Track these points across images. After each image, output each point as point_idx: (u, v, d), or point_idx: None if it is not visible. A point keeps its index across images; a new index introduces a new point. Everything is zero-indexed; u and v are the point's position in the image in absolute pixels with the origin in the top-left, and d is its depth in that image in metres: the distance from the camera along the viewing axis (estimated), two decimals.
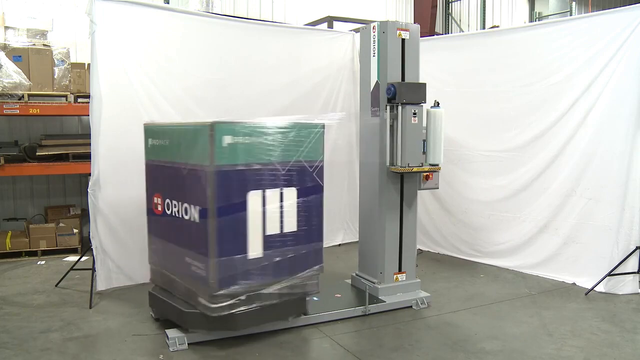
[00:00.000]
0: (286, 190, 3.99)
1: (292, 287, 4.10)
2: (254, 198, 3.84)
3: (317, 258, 4.23)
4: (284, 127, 3.96)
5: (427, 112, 4.79)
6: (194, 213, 3.87)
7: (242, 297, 3.88)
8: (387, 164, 4.69)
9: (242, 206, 3.80)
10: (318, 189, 4.18)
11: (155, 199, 4.32)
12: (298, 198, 4.05)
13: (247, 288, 3.88)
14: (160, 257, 4.37)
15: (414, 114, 4.64)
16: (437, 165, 4.81)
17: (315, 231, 4.20)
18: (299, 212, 4.07)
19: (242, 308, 3.88)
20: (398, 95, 4.57)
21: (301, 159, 4.04)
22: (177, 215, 4.05)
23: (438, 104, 4.81)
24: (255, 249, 3.89)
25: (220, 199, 3.73)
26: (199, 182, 3.80)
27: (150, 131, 4.37)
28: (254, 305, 3.93)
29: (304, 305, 4.30)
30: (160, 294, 4.26)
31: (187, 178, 3.93)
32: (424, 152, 4.78)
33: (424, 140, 4.78)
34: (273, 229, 3.96)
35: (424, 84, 4.71)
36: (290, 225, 4.04)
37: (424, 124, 4.76)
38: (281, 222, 3.99)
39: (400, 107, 4.61)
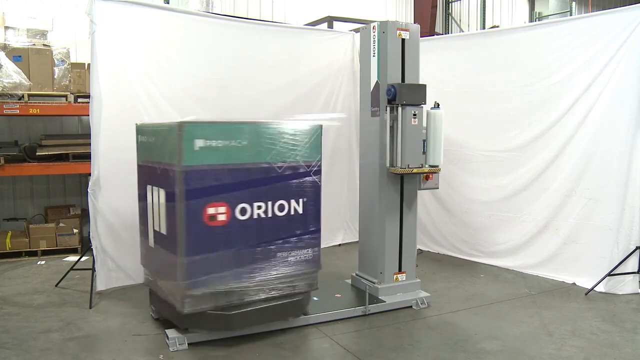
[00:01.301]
0: (160, 191, 3.94)
1: (169, 292, 3.90)
2: (149, 191, 4.16)
3: (178, 272, 3.70)
4: (155, 128, 4.09)
5: (427, 113, 4.78)
6: None
7: (150, 278, 4.30)
8: (387, 164, 4.69)
9: (146, 196, 4.22)
10: (173, 196, 3.73)
11: None
12: (166, 202, 3.84)
13: (150, 271, 4.30)
14: None
15: (414, 115, 4.63)
16: (437, 166, 4.81)
17: (175, 242, 3.72)
18: (166, 216, 3.86)
19: (150, 287, 4.35)
20: (398, 96, 4.56)
21: (165, 161, 3.86)
22: None
23: (438, 105, 4.80)
24: (151, 238, 4.18)
25: (139, 187, 4.39)
26: None
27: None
28: (154, 290, 4.25)
29: (186, 322, 3.88)
30: None
31: None
32: (424, 153, 4.78)
33: (424, 141, 4.77)
34: (156, 225, 4.06)
35: (424, 85, 4.71)
36: (163, 227, 3.92)
37: (424, 125, 4.76)
38: (159, 220, 4.00)
39: (400, 109, 4.60)
